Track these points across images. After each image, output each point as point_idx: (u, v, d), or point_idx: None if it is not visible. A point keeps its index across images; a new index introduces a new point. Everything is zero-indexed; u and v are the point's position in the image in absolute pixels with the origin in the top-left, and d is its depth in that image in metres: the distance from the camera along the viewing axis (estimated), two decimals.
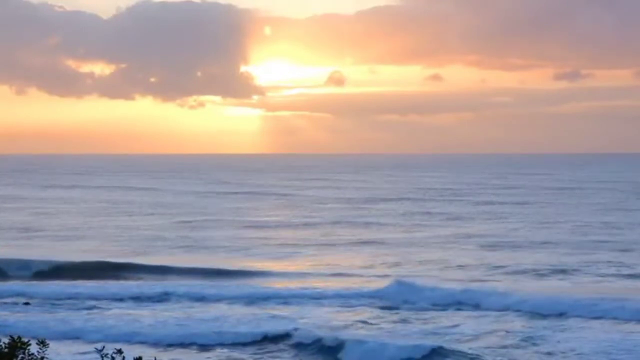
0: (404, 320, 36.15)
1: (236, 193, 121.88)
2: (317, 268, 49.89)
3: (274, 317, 36.31)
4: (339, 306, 38.92)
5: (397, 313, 37.65)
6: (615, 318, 35.88)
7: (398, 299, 39.72)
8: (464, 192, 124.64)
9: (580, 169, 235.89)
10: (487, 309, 37.90)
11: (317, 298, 40.50)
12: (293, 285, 43.95)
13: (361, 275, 47.06)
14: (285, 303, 39.80)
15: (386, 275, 46.46)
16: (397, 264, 51.19)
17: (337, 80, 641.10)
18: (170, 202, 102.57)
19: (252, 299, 40.51)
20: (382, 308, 38.61)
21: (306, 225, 75.03)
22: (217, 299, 40.75)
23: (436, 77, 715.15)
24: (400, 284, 41.30)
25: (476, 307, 38.36)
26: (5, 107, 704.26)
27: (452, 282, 43.29)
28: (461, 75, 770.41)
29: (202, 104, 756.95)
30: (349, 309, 38.40)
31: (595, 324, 35.16)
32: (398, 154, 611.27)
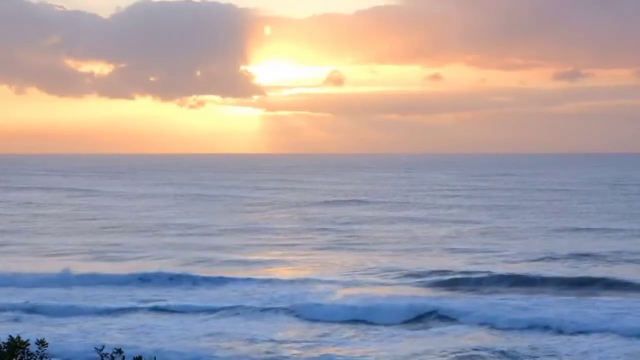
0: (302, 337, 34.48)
1: (182, 195, 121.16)
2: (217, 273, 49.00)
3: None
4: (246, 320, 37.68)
5: (314, 328, 36.28)
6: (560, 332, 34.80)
7: (309, 313, 38.31)
8: (427, 193, 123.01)
9: (575, 169, 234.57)
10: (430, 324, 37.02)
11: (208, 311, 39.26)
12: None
13: (268, 284, 45.67)
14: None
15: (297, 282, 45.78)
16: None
17: (336, 80, 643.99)
18: (99, 205, 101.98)
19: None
20: (298, 321, 37.42)
21: (232, 230, 74.03)
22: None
23: (436, 77, 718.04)
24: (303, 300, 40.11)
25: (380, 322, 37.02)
26: (5, 106, 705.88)
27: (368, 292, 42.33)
28: (461, 75, 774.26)
29: (201, 104, 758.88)
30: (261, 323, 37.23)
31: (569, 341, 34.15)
32: (398, 154, 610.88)
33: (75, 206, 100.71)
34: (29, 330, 32.54)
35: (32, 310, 39.26)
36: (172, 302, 40.90)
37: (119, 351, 8.61)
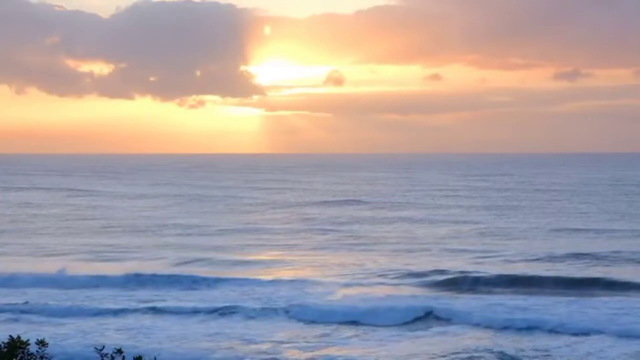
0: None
1: (181, 195, 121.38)
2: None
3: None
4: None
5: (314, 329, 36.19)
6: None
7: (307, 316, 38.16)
8: (426, 193, 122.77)
9: (574, 169, 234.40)
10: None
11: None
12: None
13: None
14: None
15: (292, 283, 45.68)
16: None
17: (336, 79, 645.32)
18: (98, 205, 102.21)
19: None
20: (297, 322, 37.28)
21: (231, 230, 73.98)
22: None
23: (436, 77, 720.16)
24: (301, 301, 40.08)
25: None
26: (5, 106, 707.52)
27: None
28: (461, 75, 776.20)
29: (201, 104, 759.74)
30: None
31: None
32: (398, 154, 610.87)
33: (75, 206, 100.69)
34: (27, 331, 32.48)
35: (30, 310, 39.28)
36: (170, 303, 40.92)
37: (119, 351, 8.66)
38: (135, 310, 39.41)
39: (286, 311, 38.85)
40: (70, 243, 64.15)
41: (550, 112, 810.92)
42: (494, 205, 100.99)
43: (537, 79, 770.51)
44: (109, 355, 8.72)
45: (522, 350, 31.95)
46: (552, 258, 54.49)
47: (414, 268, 50.44)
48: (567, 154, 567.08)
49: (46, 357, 8.70)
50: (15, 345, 8.46)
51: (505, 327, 35.44)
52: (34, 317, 37.99)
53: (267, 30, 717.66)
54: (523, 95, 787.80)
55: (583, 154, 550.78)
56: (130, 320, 37.41)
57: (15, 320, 37.45)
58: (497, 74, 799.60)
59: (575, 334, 34.33)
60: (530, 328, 35.27)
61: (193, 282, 46.22)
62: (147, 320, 37.44)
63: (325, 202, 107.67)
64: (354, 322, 36.95)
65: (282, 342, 33.44)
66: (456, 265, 51.76)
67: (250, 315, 38.43)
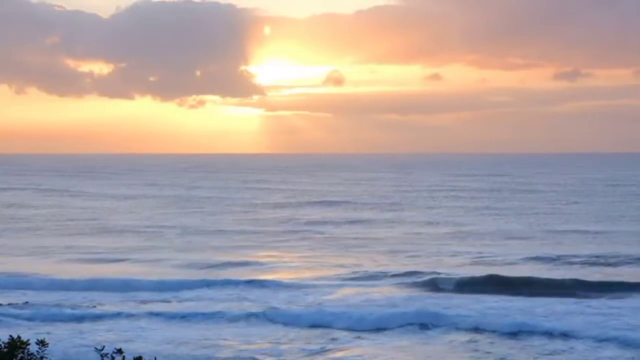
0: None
1: (179, 196, 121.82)
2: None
3: None
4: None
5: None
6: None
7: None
8: (425, 193, 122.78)
9: (574, 170, 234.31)
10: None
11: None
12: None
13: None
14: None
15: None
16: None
17: (336, 80, 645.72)
18: (95, 206, 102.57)
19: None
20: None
21: (228, 232, 74.07)
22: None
23: (436, 77, 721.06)
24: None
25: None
26: (5, 106, 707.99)
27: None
28: (461, 75, 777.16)
29: (201, 104, 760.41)
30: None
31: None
32: (398, 154, 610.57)
33: (73, 207, 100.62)
34: (26, 331, 32.57)
35: (28, 312, 39.33)
36: (168, 305, 40.94)
37: (119, 351, 8.77)
38: (133, 312, 39.43)
39: (284, 313, 38.84)
40: (69, 244, 64.18)
41: (550, 112, 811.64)
42: (493, 205, 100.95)
43: (537, 79, 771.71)
44: (109, 356, 8.84)
45: (519, 352, 32.07)
46: (550, 259, 54.56)
47: (412, 269, 50.41)
48: (567, 154, 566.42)
49: (46, 358, 8.79)
50: (16, 345, 8.54)
51: (502, 329, 35.38)
52: (32, 318, 38.07)
53: (267, 30, 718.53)
54: (523, 95, 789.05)
55: (583, 154, 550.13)
56: (127, 322, 37.44)
57: (15, 320, 37.55)
58: (497, 74, 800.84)
59: (573, 336, 34.40)
60: (527, 330, 35.17)
61: (191, 284, 46.19)
62: (144, 322, 37.51)
63: (324, 202, 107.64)
64: (352, 324, 36.88)
65: (280, 344, 33.49)
66: (454, 266, 51.82)
67: (248, 316, 38.39)
